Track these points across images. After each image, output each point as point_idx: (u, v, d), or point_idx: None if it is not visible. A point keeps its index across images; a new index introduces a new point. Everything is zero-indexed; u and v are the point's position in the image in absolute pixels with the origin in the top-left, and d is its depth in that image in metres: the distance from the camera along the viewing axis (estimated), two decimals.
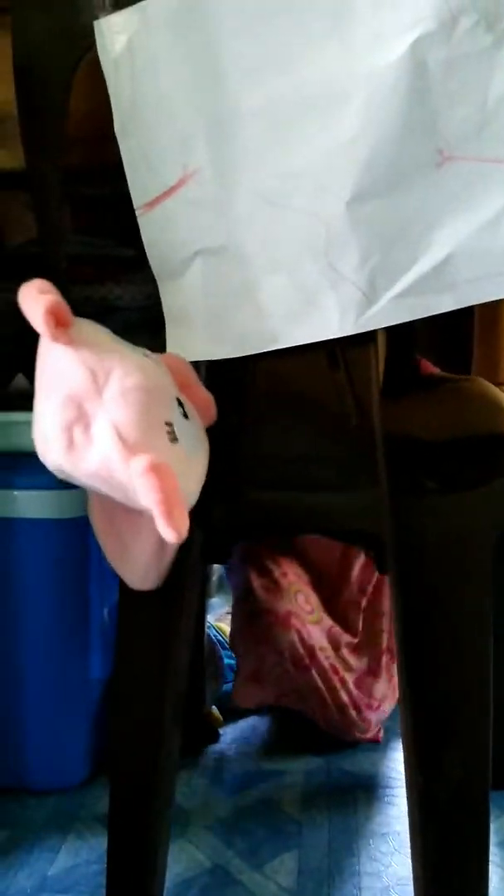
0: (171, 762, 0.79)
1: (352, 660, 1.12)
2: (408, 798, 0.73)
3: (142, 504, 0.58)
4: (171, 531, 0.57)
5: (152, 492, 0.57)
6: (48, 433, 0.63)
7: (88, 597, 1.02)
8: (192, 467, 0.64)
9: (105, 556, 0.71)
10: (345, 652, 1.12)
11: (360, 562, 1.15)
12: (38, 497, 0.98)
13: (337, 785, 1.09)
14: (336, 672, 1.10)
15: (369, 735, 1.15)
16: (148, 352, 0.67)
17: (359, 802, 1.06)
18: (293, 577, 1.10)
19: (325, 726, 1.14)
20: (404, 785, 0.74)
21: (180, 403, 0.65)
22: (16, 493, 0.99)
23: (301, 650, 1.07)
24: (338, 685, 1.10)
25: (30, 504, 0.98)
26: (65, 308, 0.61)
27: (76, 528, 0.98)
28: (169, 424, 0.61)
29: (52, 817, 1.03)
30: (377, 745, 1.17)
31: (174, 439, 0.62)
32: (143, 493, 0.57)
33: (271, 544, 1.13)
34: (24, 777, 1.06)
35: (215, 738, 1.17)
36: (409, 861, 0.74)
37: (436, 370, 1.05)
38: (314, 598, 1.11)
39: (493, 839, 0.75)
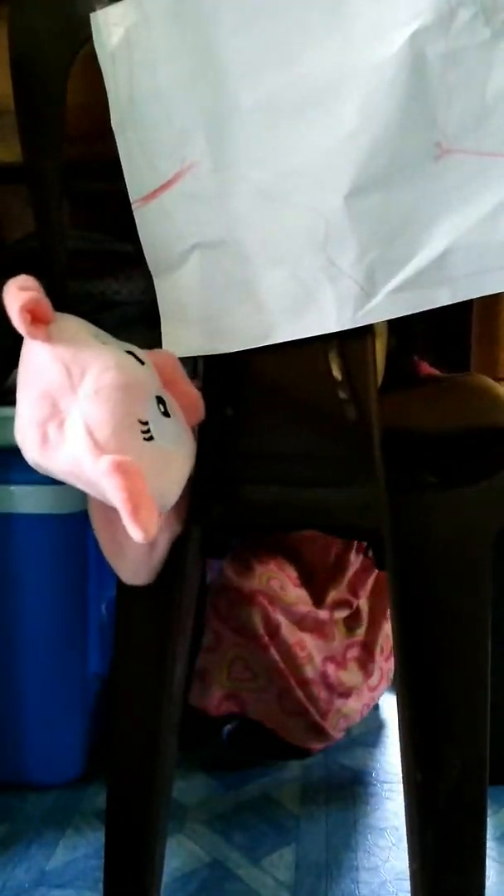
0: (169, 757, 0.79)
1: (324, 641, 1.10)
2: (405, 794, 0.73)
3: (112, 503, 0.58)
4: (138, 530, 0.57)
5: (117, 491, 0.57)
6: (24, 429, 0.64)
7: (86, 592, 1.02)
8: (169, 465, 0.64)
9: (102, 551, 0.71)
10: (316, 636, 1.09)
11: (353, 565, 1.13)
12: (36, 492, 0.98)
13: (335, 780, 1.09)
14: (302, 648, 1.07)
15: (325, 740, 1.10)
16: (134, 348, 0.67)
17: (357, 797, 1.06)
18: (274, 567, 1.08)
19: (273, 723, 1.08)
20: (402, 780, 0.74)
21: (161, 401, 0.65)
22: (13, 488, 0.98)
23: (261, 628, 1.04)
24: (303, 662, 1.06)
25: (27, 499, 0.98)
26: (43, 305, 0.61)
27: (74, 523, 0.98)
28: (144, 423, 0.61)
29: (50, 812, 1.03)
30: (375, 740, 1.17)
31: (149, 438, 0.62)
32: (110, 493, 0.58)
33: (258, 543, 1.12)
34: (22, 772, 1.06)
35: (216, 732, 1.17)
36: (407, 856, 0.74)
37: (434, 371, 1.05)
38: (295, 591, 1.09)
39: (490, 834, 0.75)
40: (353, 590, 1.13)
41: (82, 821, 1.01)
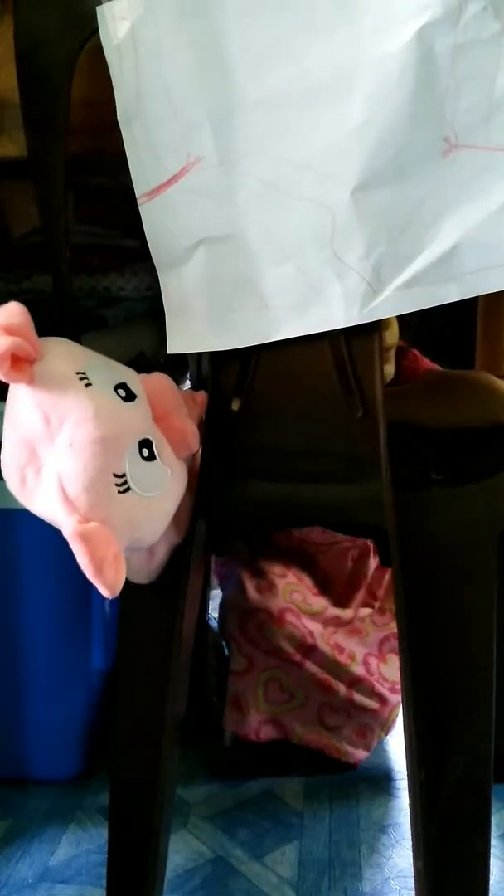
0: (172, 753, 0.79)
1: (359, 638, 1.09)
2: (409, 791, 0.72)
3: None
4: (102, 587, 0.58)
5: (81, 556, 0.58)
6: (6, 466, 0.64)
7: (90, 588, 1.02)
8: (148, 511, 0.64)
9: None
10: (345, 631, 1.09)
11: (371, 569, 1.12)
12: None
13: (338, 777, 1.09)
14: (342, 650, 1.06)
15: (370, 744, 1.09)
16: (128, 377, 0.66)
17: (360, 794, 1.06)
18: (293, 579, 1.08)
19: (314, 739, 1.08)
20: (405, 777, 0.74)
21: (145, 444, 0.63)
22: None
23: (293, 646, 1.04)
24: (348, 662, 1.06)
25: None
26: (26, 348, 0.60)
27: None
28: (120, 476, 0.61)
29: (54, 808, 1.03)
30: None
31: (125, 490, 0.61)
32: (76, 554, 0.58)
33: (272, 552, 1.11)
34: (26, 767, 1.06)
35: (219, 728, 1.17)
36: (410, 853, 0.74)
37: (432, 365, 1.05)
38: (316, 600, 1.08)
39: (493, 832, 0.75)
40: (372, 591, 1.12)
41: (85, 816, 1.02)
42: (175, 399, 0.69)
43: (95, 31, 0.68)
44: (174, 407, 0.68)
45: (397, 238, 0.64)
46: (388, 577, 1.13)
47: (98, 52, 0.68)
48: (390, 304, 0.65)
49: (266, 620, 1.04)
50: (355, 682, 1.06)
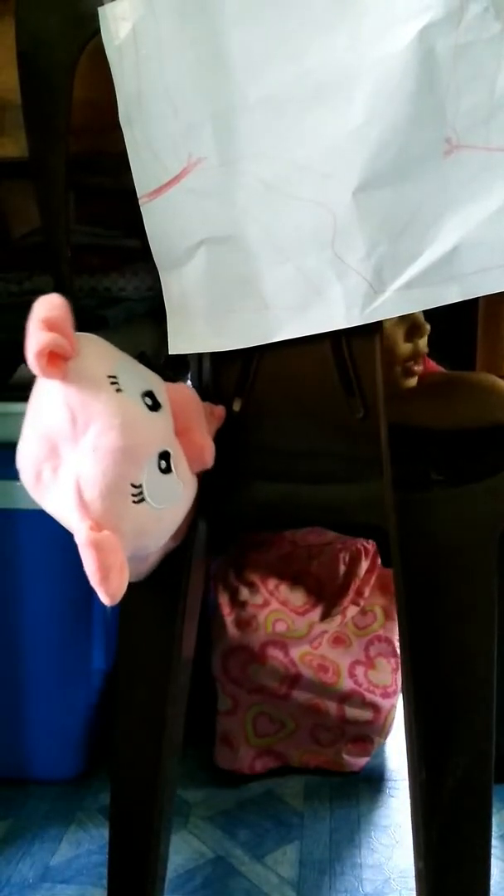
0: (173, 753, 0.79)
1: (343, 649, 1.08)
2: (410, 791, 0.72)
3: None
4: (105, 595, 0.58)
5: (90, 563, 0.58)
6: (23, 459, 0.64)
7: (90, 587, 1.02)
8: (158, 522, 0.64)
9: None
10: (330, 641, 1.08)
11: (363, 570, 1.11)
12: None
13: (338, 777, 1.09)
14: (326, 669, 1.05)
15: (370, 749, 1.09)
16: (155, 385, 0.65)
17: (360, 794, 1.06)
18: (276, 605, 1.06)
19: (313, 759, 1.08)
20: (406, 777, 0.74)
21: (164, 457, 0.63)
22: (18, 483, 0.97)
23: (277, 682, 1.03)
24: (334, 681, 1.05)
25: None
26: (64, 345, 0.59)
27: None
28: (137, 486, 0.61)
29: (54, 808, 1.03)
30: None
31: (139, 500, 0.61)
32: (84, 560, 0.58)
33: (260, 562, 1.09)
34: (26, 768, 1.06)
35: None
36: (411, 853, 0.74)
37: (438, 368, 1.05)
38: (302, 620, 1.06)
39: (494, 832, 0.75)
40: (360, 591, 1.12)
41: (86, 817, 1.02)
42: (198, 413, 0.68)
43: (96, 31, 0.68)
44: (196, 421, 0.68)
45: (398, 238, 0.64)
46: (374, 577, 1.12)
47: (99, 52, 0.68)
48: (391, 304, 0.65)
49: (248, 659, 1.03)
50: (345, 698, 1.05)
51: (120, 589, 0.58)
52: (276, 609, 1.06)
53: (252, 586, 1.08)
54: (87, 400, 0.60)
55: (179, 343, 0.72)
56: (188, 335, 0.72)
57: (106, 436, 0.60)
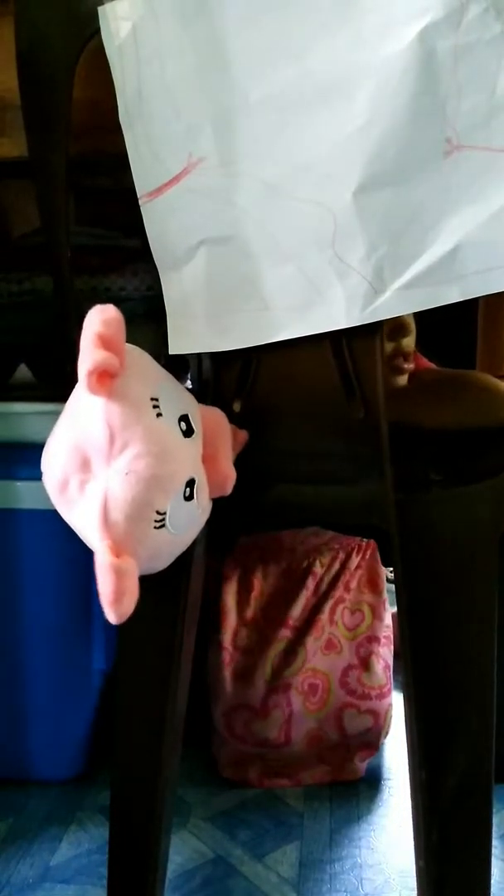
0: (173, 753, 0.79)
1: (335, 654, 1.07)
2: (411, 792, 0.73)
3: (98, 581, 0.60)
4: (115, 617, 0.59)
5: (105, 586, 0.58)
6: (49, 465, 0.63)
7: (91, 587, 1.01)
8: (173, 546, 0.65)
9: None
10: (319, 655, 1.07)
11: (353, 566, 1.09)
12: (41, 487, 0.97)
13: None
14: (315, 691, 1.04)
15: (373, 751, 1.09)
16: (191, 407, 0.65)
17: (360, 794, 1.06)
18: (274, 652, 1.05)
19: (323, 776, 1.08)
20: (406, 777, 0.74)
21: (190, 484, 0.63)
22: (18, 483, 0.98)
23: (278, 731, 1.03)
24: (325, 700, 1.04)
25: (32, 495, 0.98)
26: (115, 365, 0.58)
27: None
28: (161, 514, 0.61)
29: (55, 808, 1.03)
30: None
31: (161, 526, 0.61)
32: (100, 581, 0.59)
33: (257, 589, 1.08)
34: (26, 768, 1.06)
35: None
36: (410, 853, 0.74)
37: (430, 364, 1.04)
38: (297, 649, 1.05)
39: (494, 832, 0.75)
40: (348, 585, 1.11)
41: (86, 817, 1.02)
42: (226, 440, 0.68)
43: (97, 31, 0.68)
44: (224, 448, 0.67)
45: (399, 239, 0.64)
46: (361, 572, 1.10)
47: (99, 52, 0.68)
48: (392, 304, 0.65)
49: (251, 718, 1.03)
50: (341, 713, 1.05)
51: (130, 611, 0.59)
52: (275, 654, 1.05)
53: (254, 624, 1.06)
54: (128, 422, 0.60)
55: (179, 343, 0.72)
56: (188, 335, 0.72)
57: (141, 461, 0.59)
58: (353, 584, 1.09)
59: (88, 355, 0.58)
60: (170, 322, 0.72)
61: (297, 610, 1.07)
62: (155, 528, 0.61)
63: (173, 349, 0.72)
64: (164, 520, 0.61)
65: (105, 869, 0.80)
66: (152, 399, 0.62)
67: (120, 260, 1.08)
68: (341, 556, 1.09)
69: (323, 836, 0.99)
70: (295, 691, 1.04)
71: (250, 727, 1.04)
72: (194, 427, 0.64)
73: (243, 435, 0.72)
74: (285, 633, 1.06)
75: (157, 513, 0.61)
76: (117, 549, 0.59)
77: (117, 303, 1.09)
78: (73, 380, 0.61)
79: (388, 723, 1.08)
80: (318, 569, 1.09)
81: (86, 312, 0.63)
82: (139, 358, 0.64)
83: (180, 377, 0.90)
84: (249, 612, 1.07)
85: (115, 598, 0.58)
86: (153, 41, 0.66)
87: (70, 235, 0.78)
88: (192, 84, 0.66)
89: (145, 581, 0.71)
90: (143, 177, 0.69)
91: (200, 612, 0.82)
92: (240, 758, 1.07)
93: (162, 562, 0.65)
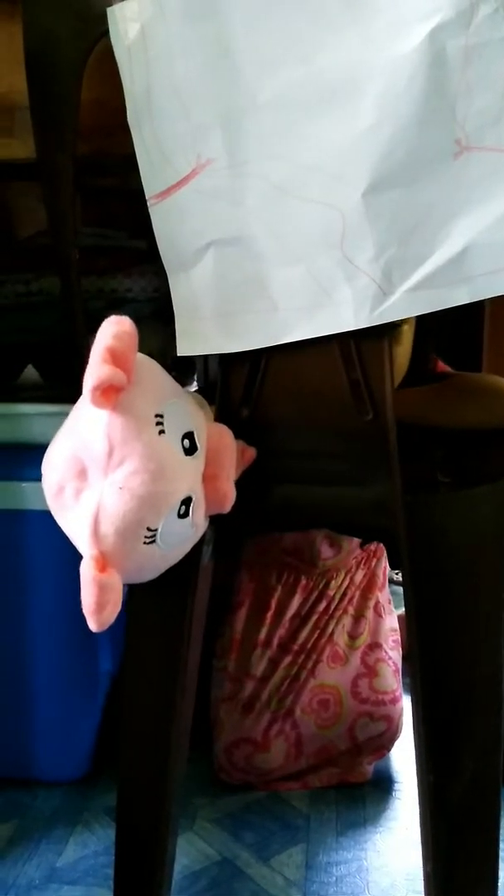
0: (180, 755, 0.79)
1: (341, 667, 1.07)
2: (419, 794, 0.72)
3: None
4: (94, 625, 0.60)
5: (87, 596, 0.59)
6: (48, 469, 0.64)
7: None
8: (162, 561, 0.65)
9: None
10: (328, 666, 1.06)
11: (359, 578, 1.10)
12: None
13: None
14: (326, 706, 1.05)
15: (382, 754, 1.09)
16: (198, 423, 0.64)
17: (367, 797, 1.06)
18: (278, 678, 1.05)
19: (331, 778, 1.08)
20: (413, 779, 0.73)
21: (185, 502, 0.62)
22: (24, 484, 0.98)
23: (283, 759, 1.04)
24: (337, 713, 1.04)
25: (38, 496, 0.97)
26: (122, 380, 0.58)
27: None
28: (152, 531, 0.61)
29: (61, 809, 1.03)
30: None
31: (150, 542, 0.61)
32: (84, 591, 0.60)
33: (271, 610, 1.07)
34: (33, 769, 1.06)
35: None
36: (417, 856, 0.74)
37: (448, 369, 1.04)
38: (301, 673, 1.05)
39: (502, 835, 0.75)
40: (351, 599, 1.10)
41: (92, 818, 1.02)
42: (230, 460, 0.67)
43: (105, 32, 0.68)
44: (227, 468, 0.67)
45: (408, 240, 0.64)
46: (361, 578, 1.10)
47: (108, 53, 0.68)
48: (400, 306, 0.65)
49: (253, 752, 1.03)
50: (353, 724, 1.05)
51: (110, 621, 0.59)
52: (278, 680, 1.05)
53: (262, 649, 1.06)
54: (129, 437, 0.60)
55: (187, 345, 0.72)
56: (196, 337, 0.72)
57: (137, 478, 0.59)
58: (357, 596, 1.09)
59: (95, 369, 0.58)
60: (178, 324, 0.71)
61: (305, 633, 1.06)
62: (145, 543, 0.61)
63: (181, 351, 0.72)
64: (154, 536, 0.61)
65: (111, 870, 0.80)
66: (157, 416, 0.62)
67: (127, 261, 1.08)
68: (351, 572, 1.09)
69: (329, 839, 0.98)
70: (302, 714, 1.04)
71: (252, 760, 1.04)
72: (198, 445, 0.64)
73: (251, 453, 0.72)
74: (291, 658, 1.06)
75: (148, 529, 0.61)
76: (103, 562, 0.60)
77: (124, 304, 1.09)
78: (80, 381, 0.61)
79: (400, 726, 1.08)
80: (331, 591, 1.08)
81: (93, 313, 0.63)
82: (149, 371, 0.64)
83: (187, 379, 0.90)
84: (262, 635, 1.06)
85: (95, 609, 0.59)
86: (162, 42, 0.66)
87: (77, 236, 0.78)
88: (201, 85, 0.66)
89: (152, 585, 0.72)
90: (152, 178, 0.69)
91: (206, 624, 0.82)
92: (252, 771, 1.06)
93: (151, 574, 0.65)
